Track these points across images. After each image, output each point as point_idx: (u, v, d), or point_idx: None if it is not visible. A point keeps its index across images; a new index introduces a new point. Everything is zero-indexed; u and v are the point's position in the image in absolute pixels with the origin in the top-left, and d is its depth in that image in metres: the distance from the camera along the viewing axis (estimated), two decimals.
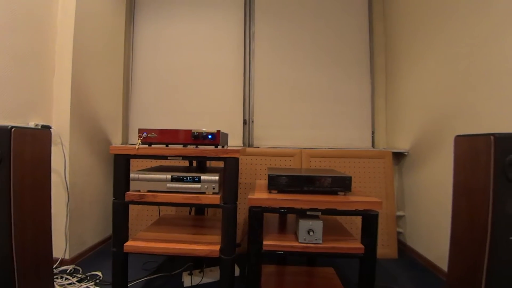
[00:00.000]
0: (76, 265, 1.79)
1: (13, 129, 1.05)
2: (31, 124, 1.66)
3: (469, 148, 1.07)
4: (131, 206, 1.90)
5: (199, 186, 1.29)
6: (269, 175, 1.31)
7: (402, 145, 2.25)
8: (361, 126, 2.49)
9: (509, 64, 1.30)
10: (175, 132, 1.33)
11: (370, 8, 2.54)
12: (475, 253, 1.00)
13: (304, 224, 1.23)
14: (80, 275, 1.65)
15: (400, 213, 2.22)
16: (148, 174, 1.30)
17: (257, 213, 1.24)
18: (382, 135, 2.51)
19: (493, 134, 0.95)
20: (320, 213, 1.24)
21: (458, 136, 1.14)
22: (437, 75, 1.82)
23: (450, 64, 1.70)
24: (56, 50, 1.84)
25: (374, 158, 2.15)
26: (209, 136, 1.31)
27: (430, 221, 1.88)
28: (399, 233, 2.22)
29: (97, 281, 1.61)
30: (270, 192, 1.31)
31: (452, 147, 1.18)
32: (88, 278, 1.64)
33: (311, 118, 2.49)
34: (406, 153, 2.20)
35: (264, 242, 1.24)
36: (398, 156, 2.30)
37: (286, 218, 1.59)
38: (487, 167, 0.96)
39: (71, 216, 1.82)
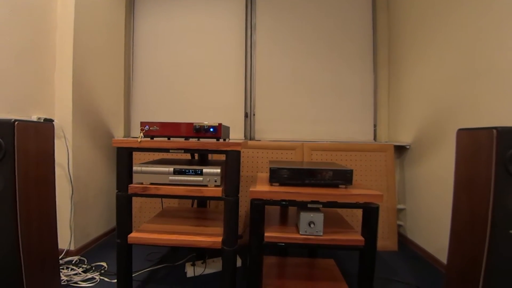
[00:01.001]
0: (81, 256, 1.82)
1: (16, 123, 1.06)
2: (34, 118, 1.67)
3: (471, 142, 1.07)
4: (134, 199, 1.92)
5: (201, 178, 1.30)
6: (270, 168, 1.31)
7: (404, 139, 2.25)
8: (363, 119, 2.48)
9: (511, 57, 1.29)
10: (177, 125, 1.34)
11: (374, 0, 2.49)
12: (474, 246, 1.01)
13: (305, 217, 1.24)
14: (85, 266, 1.69)
15: (400, 206, 2.23)
16: (151, 167, 1.31)
17: (258, 205, 1.25)
18: (384, 129, 2.50)
19: (495, 128, 0.95)
20: (321, 205, 1.25)
21: (460, 129, 1.14)
22: (440, 68, 1.80)
23: (452, 58, 1.68)
24: (56, 44, 1.83)
25: (375, 152, 2.15)
26: (211, 129, 1.31)
27: (430, 214, 1.89)
28: (399, 226, 2.24)
29: (102, 271, 1.64)
30: (271, 185, 1.32)
31: (454, 140, 1.17)
32: (93, 268, 1.67)
33: (313, 111, 2.48)
34: (408, 147, 2.19)
35: (266, 234, 1.26)
36: (400, 150, 2.30)
37: (287, 211, 1.61)
38: (489, 161, 0.96)
39: (75, 208, 1.85)
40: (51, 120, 1.74)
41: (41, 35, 1.72)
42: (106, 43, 2.21)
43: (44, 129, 1.23)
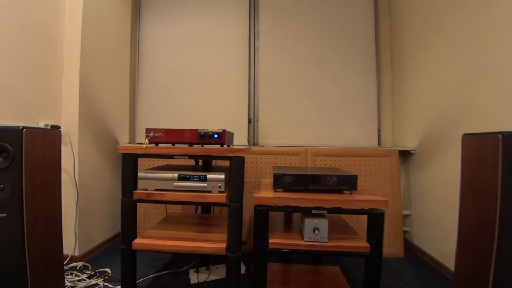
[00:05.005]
0: (85, 262, 1.83)
1: (24, 130, 1.08)
2: (41, 125, 1.70)
3: (476, 147, 1.06)
4: (138, 205, 1.92)
5: (205, 184, 1.30)
6: (274, 174, 1.31)
7: (408, 144, 2.23)
8: (367, 124, 2.48)
9: None
10: (182, 131, 1.35)
11: (376, 4, 2.51)
12: (482, 252, 0.99)
13: (309, 223, 1.23)
14: (89, 272, 1.69)
15: (406, 212, 2.21)
16: (156, 173, 1.32)
17: (262, 211, 1.25)
18: (388, 133, 2.49)
19: (501, 133, 0.94)
20: (325, 211, 1.24)
21: (465, 134, 1.13)
22: (444, 72, 1.80)
23: (457, 61, 1.68)
24: (64, 53, 1.87)
25: (380, 157, 2.13)
26: (215, 136, 1.32)
27: (436, 219, 1.86)
28: (405, 232, 2.21)
29: (106, 277, 1.64)
30: (275, 191, 1.32)
31: (459, 145, 1.16)
32: (98, 274, 1.67)
33: (317, 116, 2.48)
34: (412, 152, 2.18)
35: (270, 240, 1.25)
36: (405, 155, 2.28)
37: (291, 217, 1.60)
38: (495, 165, 0.95)
39: (80, 214, 1.86)
40: (58, 127, 1.77)
41: (49, 45, 1.76)
42: (112, 51, 2.25)
43: (51, 136, 1.25)
